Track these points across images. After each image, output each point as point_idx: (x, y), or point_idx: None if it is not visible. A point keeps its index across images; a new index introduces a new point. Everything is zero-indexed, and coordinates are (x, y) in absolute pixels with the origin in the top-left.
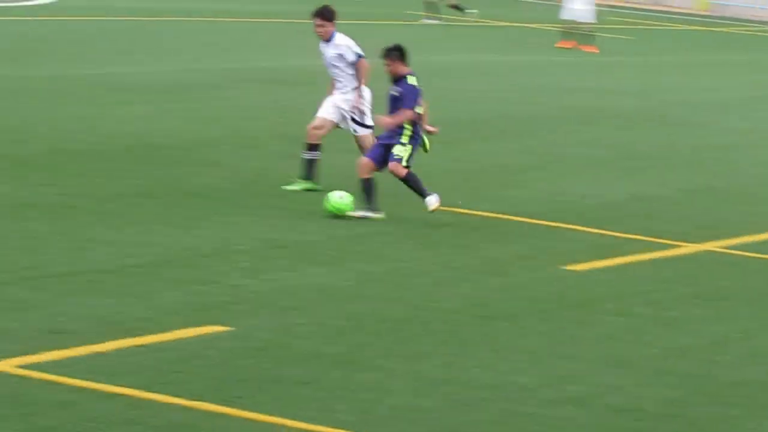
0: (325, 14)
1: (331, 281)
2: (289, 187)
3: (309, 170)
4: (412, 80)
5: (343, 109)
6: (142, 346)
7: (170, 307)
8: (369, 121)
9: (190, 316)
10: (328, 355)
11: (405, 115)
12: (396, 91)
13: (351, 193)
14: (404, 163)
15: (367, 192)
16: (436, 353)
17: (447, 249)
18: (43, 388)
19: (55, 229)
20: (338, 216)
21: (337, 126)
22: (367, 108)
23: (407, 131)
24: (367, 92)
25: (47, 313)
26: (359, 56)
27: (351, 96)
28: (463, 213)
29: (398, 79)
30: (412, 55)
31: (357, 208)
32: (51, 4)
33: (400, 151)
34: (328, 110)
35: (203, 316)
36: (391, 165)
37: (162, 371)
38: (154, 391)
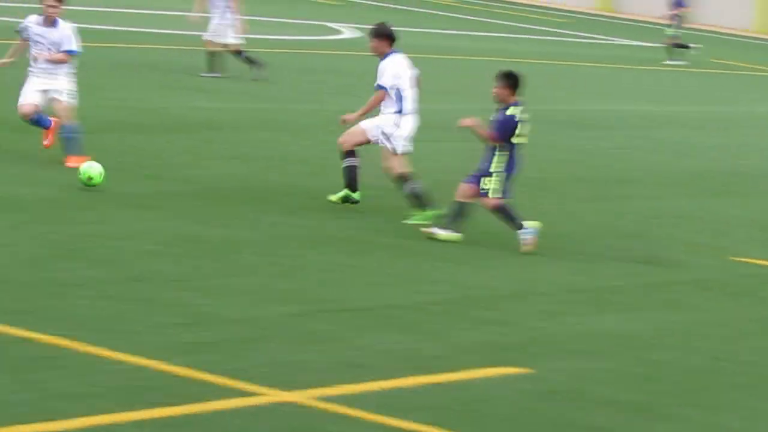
0: (373, 31)
1: (630, 328)
2: (414, 223)
3: (415, 194)
4: (513, 110)
5: (380, 127)
6: (436, 383)
7: (466, 346)
8: (399, 149)
9: (486, 356)
10: (624, 402)
11: (484, 133)
12: (494, 118)
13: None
14: (491, 195)
15: (452, 212)
16: (736, 405)
17: (748, 300)
18: (336, 421)
19: (354, 263)
20: (88, 186)
21: (368, 142)
22: (395, 134)
23: (499, 158)
24: (409, 122)
25: (343, 346)
26: (379, 86)
27: (389, 117)
28: (766, 265)
29: (503, 107)
30: (721, 104)
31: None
32: (355, 39)
33: (487, 183)
34: (367, 125)
35: (499, 357)
36: (481, 200)
37: (456, 410)
38: (446, 429)
